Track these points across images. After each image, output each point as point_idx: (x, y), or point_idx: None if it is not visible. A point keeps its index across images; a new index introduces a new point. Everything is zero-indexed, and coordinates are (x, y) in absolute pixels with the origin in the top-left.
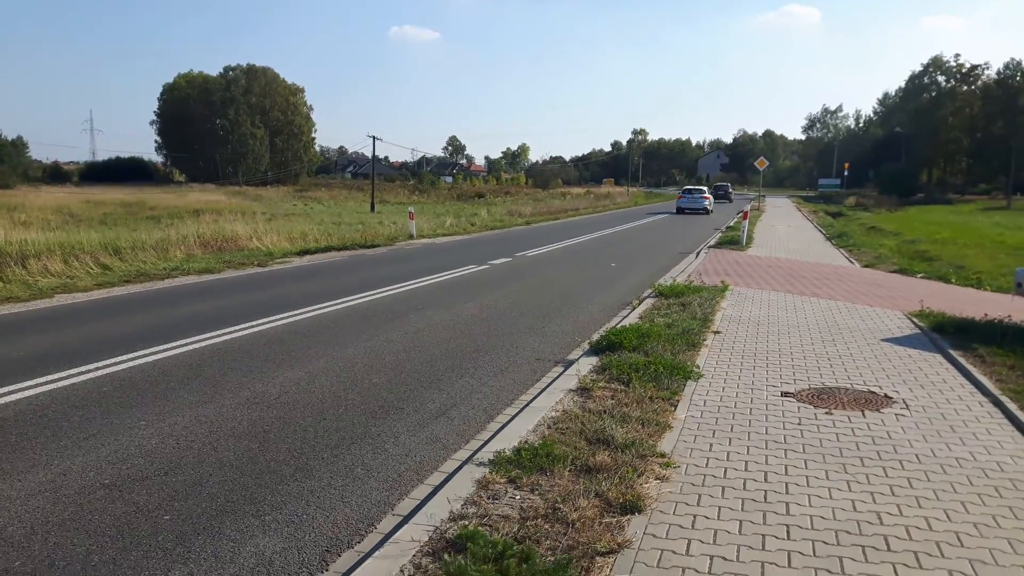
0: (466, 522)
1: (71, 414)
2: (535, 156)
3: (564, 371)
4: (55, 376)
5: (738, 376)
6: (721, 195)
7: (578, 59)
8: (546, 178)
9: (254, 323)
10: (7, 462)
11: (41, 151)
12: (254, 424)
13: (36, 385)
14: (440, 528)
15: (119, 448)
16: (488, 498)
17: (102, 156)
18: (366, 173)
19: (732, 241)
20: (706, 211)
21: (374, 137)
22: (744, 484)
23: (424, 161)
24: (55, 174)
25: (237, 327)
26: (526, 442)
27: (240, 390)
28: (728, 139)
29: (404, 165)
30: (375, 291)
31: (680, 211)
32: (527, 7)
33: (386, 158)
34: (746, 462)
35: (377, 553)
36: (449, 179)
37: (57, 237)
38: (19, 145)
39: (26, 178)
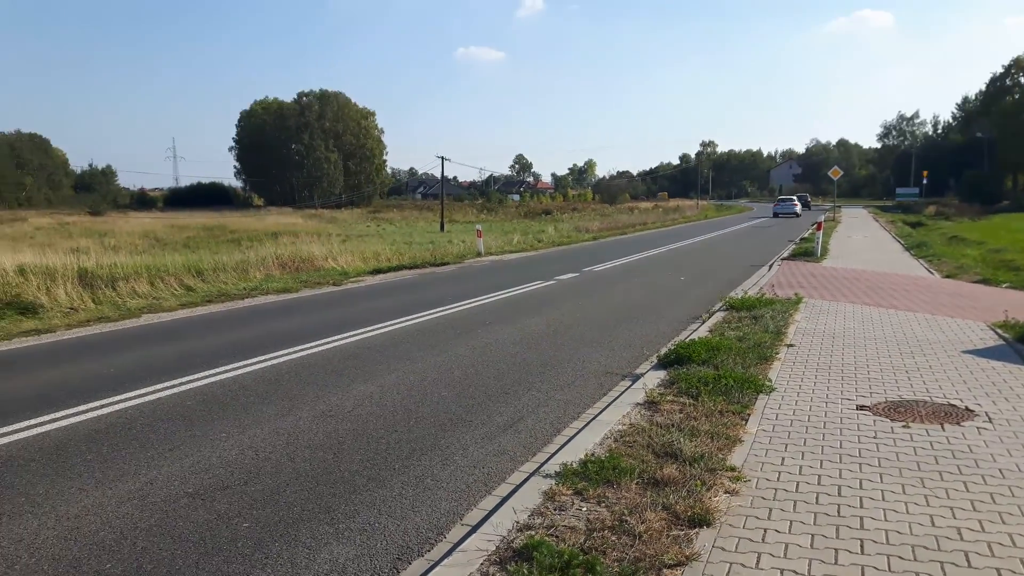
0: (533, 532)
1: (157, 426)
2: (602, 171)
3: (631, 385)
4: (143, 391)
5: (812, 390)
6: (801, 205)
7: (644, 72)
8: (613, 193)
9: (329, 339)
10: (99, 471)
11: (128, 179)
12: (329, 436)
13: (125, 399)
14: (507, 538)
15: (202, 459)
16: (555, 509)
17: (185, 182)
18: (436, 193)
19: (806, 253)
20: (796, 214)
21: (443, 158)
22: (817, 498)
23: (492, 180)
24: (141, 200)
25: (313, 343)
26: (593, 455)
27: (316, 403)
28: (800, 149)
29: (472, 184)
30: (444, 308)
31: (776, 215)
32: (592, 22)
33: (455, 178)
34: (819, 476)
35: (446, 561)
36: (516, 197)
37: (144, 260)
38: (108, 174)
39: (115, 205)
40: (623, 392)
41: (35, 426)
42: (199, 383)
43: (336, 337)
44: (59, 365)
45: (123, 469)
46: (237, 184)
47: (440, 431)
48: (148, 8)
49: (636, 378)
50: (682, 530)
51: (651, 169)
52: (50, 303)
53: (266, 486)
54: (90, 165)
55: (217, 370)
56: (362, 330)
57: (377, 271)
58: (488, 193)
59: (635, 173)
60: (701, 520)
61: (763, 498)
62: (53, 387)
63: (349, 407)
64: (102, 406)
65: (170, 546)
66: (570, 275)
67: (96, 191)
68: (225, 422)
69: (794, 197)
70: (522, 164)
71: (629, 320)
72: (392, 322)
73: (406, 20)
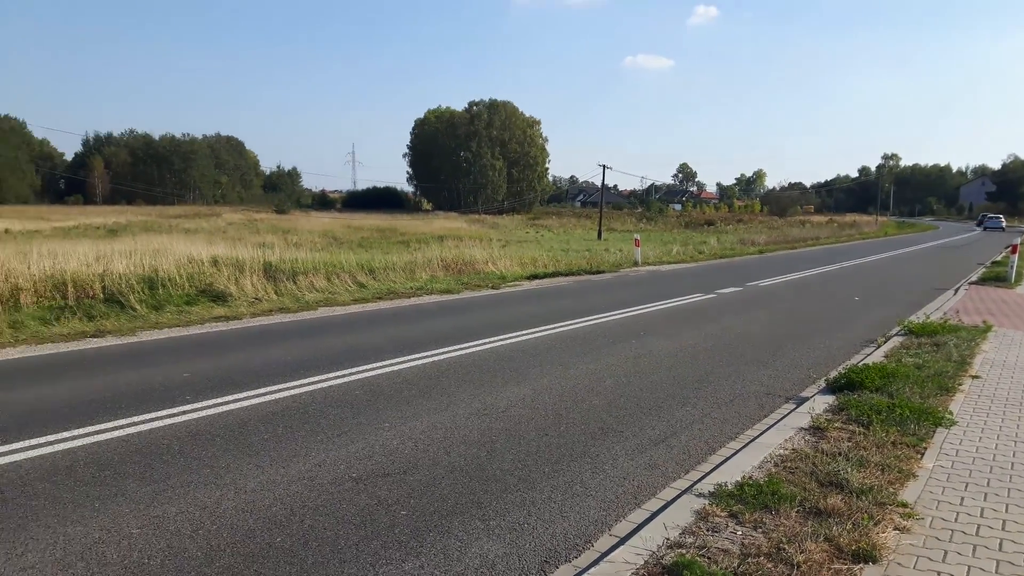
0: (683, 551)
1: (327, 412)
2: (771, 182)
3: (796, 408)
4: (315, 378)
5: (999, 426)
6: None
7: (822, 80)
8: (783, 205)
9: (486, 340)
10: (275, 451)
11: (311, 181)
12: (483, 434)
13: (299, 385)
14: (656, 553)
15: (366, 446)
16: (707, 530)
17: (362, 186)
18: (595, 201)
19: (998, 278)
20: (1002, 228)
21: (604, 166)
22: (1000, 544)
23: (653, 189)
24: (322, 201)
25: (471, 343)
26: (750, 478)
27: (472, 401)
28: (995, 165)
29: (633, 193)
30: (598, 316)
31: (984, 229)
32: (767, 29)
33: (615, 186)
34: (1003, 521)
35: (593, 570)
36: (678, 207)
37: (322, 257)
38: (294, 176)
39: (298, 205)
40: (786, 415)
41: (220, 404)
42: (365, 374)
43: (492, 339)
44: (244, 350)
45: (295, 450)
46: (408, 189)
47: (590, 439)
48: (338, 24)
49: (801, 401)
50: (845, 564)
51: (825, 181)
52: (238, 292)
53: (423, 477)
54: (278, 167)
55: (382, 363)
56: (517, 333)
57: (534, 276)
58: (648, 202)
59: (808, 185)
60: (867, 556)
61: (937, 539)
62: (236, 370)
63: (502, 407)
64: (279, 390)
65: (334, 526)
66: (732, 289)
67: (282, 191)
68: (388, 412)
69: (1000, 215)
70: (686, 173)
71: (795, 339)
72: (546, 327)
73: (577, 31)
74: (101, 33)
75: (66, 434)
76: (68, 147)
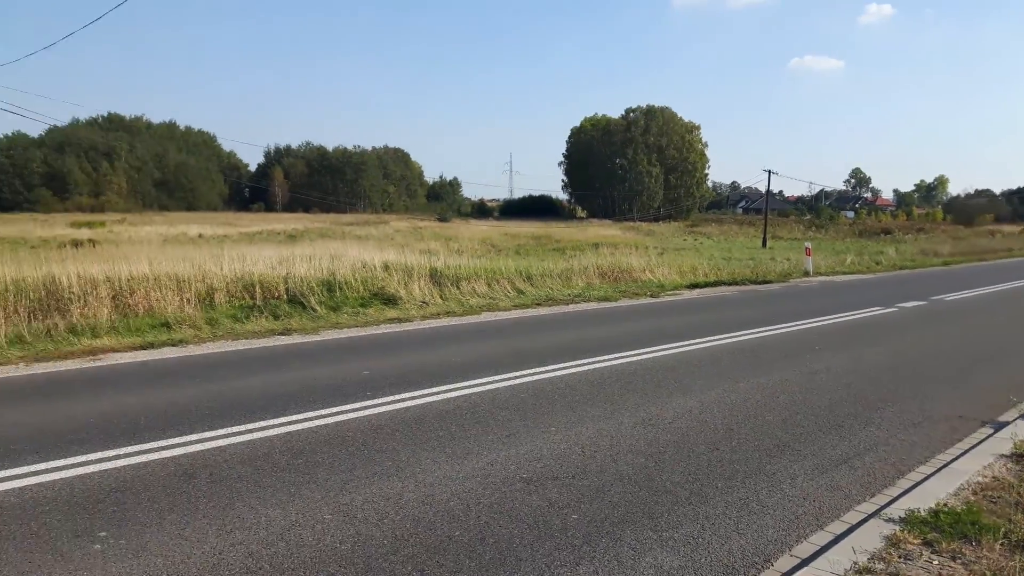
0: None
1: (496, 414)
2: (955, 189)
3: (994, 433)
4: (483, 380)
5: None
6: None
7: (1012, 80)
8: (969, 214)
9: (648, 350)
10: (449, 447)
11: (471, 190)
12: (650, 444)
13: (470, 386)
14: None
15: (534, 448)
16: (899, 557)
17: (518, 194)
18: (758, 208)
19: None
20: None
21: (769, 171)
22: None
23: (822, 195)
24: (480, 210)
25: (632, 352)
26: (945, 505)
27: (637, 410)
28: None
29: (800, 200)
30: (766, 328)
31: None
32: (950, 26)
33: (780, 192)
34: None
35: None
36: (850, 214)
37: (482, 264)
38: (455, 185)
39: (459, 213)
40: (983, 440)
41: (398, 401)
42: (531, 378)
43: (654, 348)
44: (416, 351)
45: (468, 448)
46: (563, 197)
47: (765, 456)
48: (506, 37)
49: (1000, 426)
50: None
51: (1018, 188)
52: (407, 296)
53: (592, 483)
54: (440, 177)
55: (546, 368)
56: (680, 343)
57: (694, 285)
58: (817, 209)
59: (997, 192)
60: None
61: None
62: (411, 370)
63: (669, 418)
64: (450, 390)
65: (508, 525)
66: (915, 303)
67: (444, 200)
68: (554, 417)
69: None
70: (858, 179)
71: (989, 359)
72: (711, 338)
73: (740, 33)
74: (281, 53)
75: (263, 423)
76: (252, 159)
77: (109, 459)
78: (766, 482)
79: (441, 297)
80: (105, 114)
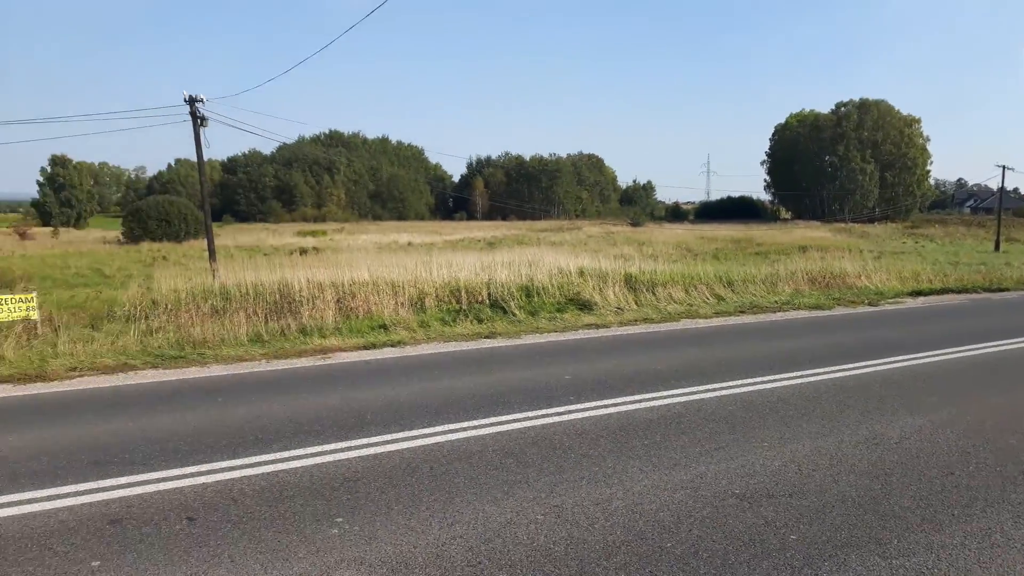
0: None
1: (703, 425)
2: None
3: None
4: (686, 390)
5: None
6: None
7: None
8: None
9: (869, 363)
10: (655, 457)
11: (665, 193)
12: (874, 465)
13: (673, 395)
14: None
15: (746, 463)
16: None
17: (715, 196)
18: (989, 207)
19: None
20: None
21: (1003, 167)
22: None
23: None
24: (675, 213)
25: (850, 365)
26: None
27: (858, 428)
28: None
29: None
30: (1006, 341)
31: None
32: None
33: (1015, 190)
34: None
35: None
36: None
37: (678, 268)
38: (648, 189)
39: (652, 217)
40: None
41: (600, 407)
42: (738, 390)
43: (875, 361)
44: (614, 356)
45: (674, 459)
46: (766, 198)
47: (1009, 484)
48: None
49: None
50: None
51: None
52: (602, 302)
53: (811, 503)
54: (634, 181)
55: (755, 379)
56: (904, 356)
57: (917, 293)
58: None
59: None
60: None
61: None
62: (611, 375)
63: (895, 438)
64: (654, 398)
65: (722, 540)
66: None
67: (637, 204)
68: (765, 431)
69: None
70: None
71: None
72: (940, 351)
73: (967, 18)
74: (483, 71)
75: (475, 422)
76: (456, 170)
77: (341, 450)
78: (1010, 512)
79: (636, 303)
80: (327, 131)
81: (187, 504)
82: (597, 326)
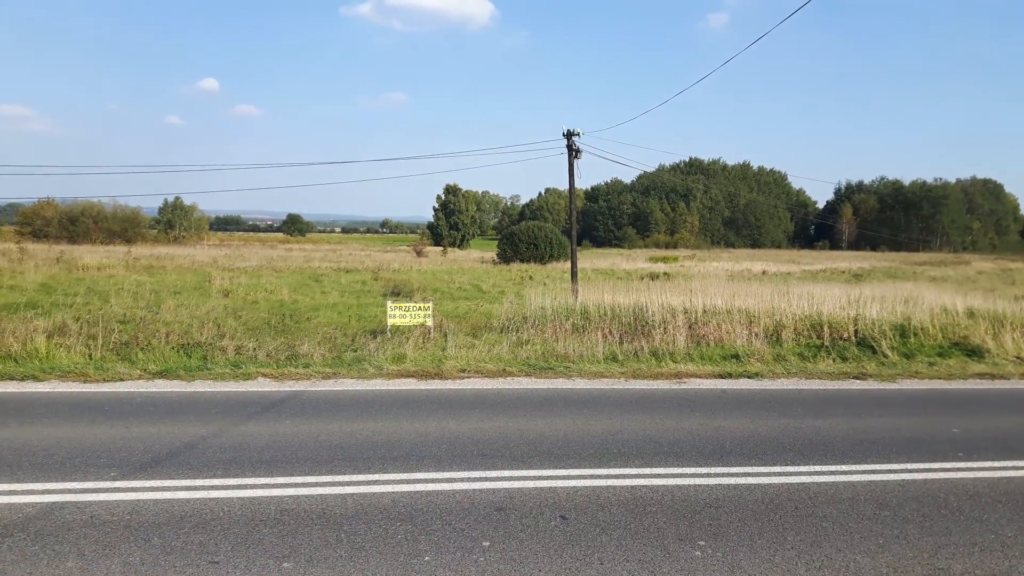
0: None
1: None
2: None
3: None
4: None
5: None
6: None
7: None
8: None
9: None
10: None
11: None
12: None
13: None
14: None
15: None
16: None
17: None
18: None
19: None
20: None
21: None
22: None
23: None
24: None
25: None
26: None
27: None
28: None
29: None
30: None
31: None
32: None
33: None
34: None
35: None
36: None
37: None
38: None
39: None
40: None
41: (998, 469)
42: None
43: None
44: (1015, 412)
45: None
46: None
47: None
48: None
49: None
50: None
51: None
52: (996, 349)
53: None
54: None
55: None
56: None
57: None
58: None
59: None
60: None
61: None
62: (1013, 435)
63: None
64: None
65: None
66: None
67: None
68: None
69: None
70: None
71: None
72: None
73: None
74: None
75: (843, 467)
76: (821, 196)
77: (701, 475)
78: None
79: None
80: (687, 159)
81: (560, 503)
82: (992, 376)
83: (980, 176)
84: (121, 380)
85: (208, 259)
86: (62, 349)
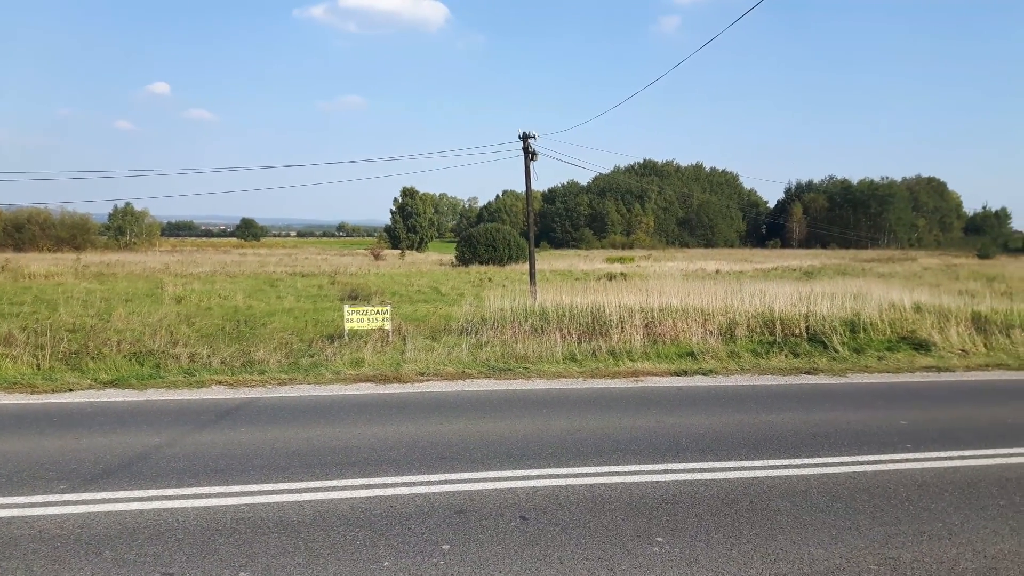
0: None
1: None
2: None
3: None
4: None
5: None
6: None
7: None
8: None
9: None
10: (1014, 520)
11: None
12: None
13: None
14: None
15: None
16: None
17: None
18: None
19: None
20: None
21: None
22: None
23: None
24: None
25: None
26: None
27: None
28: None
29: None
30: None
31: None
32: None
33: None
34: None
35: None
36: None
37: None
38: (1001, 217)
39: (1005, 248)
40: None
41: (942, 459)
42: None
43: None
44: (960, 405)
45: None
46: None
47: None
48: None
49: None
50: None
51: None
52: (942, 342)
53: None
54: (983, 207)
55: None
56: None
57: None
58: None
59: None
60: None
61: None
62: (957, 426)
63: None
64: (1010, 454)
65: None
66: None
67: (986, 233)
68: None
69: None
70: None
71: None
72: None
73: None
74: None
75: (796, 460)
76: (772, 195)
77: (658, 472)
78: None
79: (986, 346)
80: (641, 160)
81: (519, 504)
82: (938, 369)
83: (925, 175)
84: (71, 390)
85: (160, 265)
86: (8, 360)
